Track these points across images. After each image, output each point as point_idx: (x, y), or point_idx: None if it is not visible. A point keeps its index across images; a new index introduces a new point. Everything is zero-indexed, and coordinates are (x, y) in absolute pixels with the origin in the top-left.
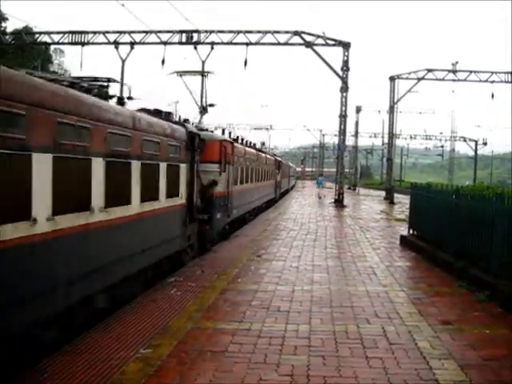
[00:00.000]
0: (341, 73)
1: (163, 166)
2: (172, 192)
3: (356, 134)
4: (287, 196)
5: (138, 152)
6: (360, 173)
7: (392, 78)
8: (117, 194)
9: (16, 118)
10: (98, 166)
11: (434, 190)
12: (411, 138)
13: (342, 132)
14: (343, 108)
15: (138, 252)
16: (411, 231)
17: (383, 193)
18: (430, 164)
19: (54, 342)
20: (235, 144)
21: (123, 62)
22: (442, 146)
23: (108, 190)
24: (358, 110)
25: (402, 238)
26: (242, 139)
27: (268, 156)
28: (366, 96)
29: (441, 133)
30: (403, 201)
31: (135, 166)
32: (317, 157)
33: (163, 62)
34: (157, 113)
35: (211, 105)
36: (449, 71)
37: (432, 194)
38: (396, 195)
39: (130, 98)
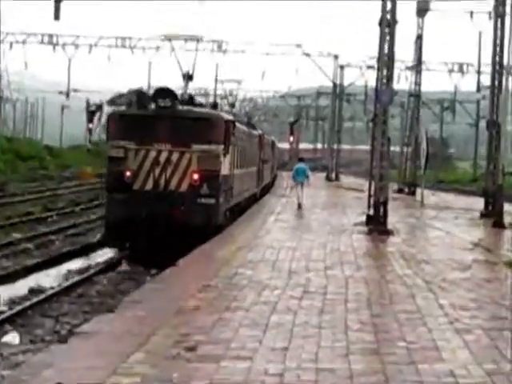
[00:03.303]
0: None
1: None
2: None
3: (417, 66)
4: (264, 202)
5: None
6: (426, 156)
7: None
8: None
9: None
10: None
11: None
12: None
13: (386, 62)
14: (388, 3)
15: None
16: None
17: (478, 201)
18: None
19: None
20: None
21: None
22: None
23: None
24: (423, 9)
25: None
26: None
27: (252, 131)
28: None
29: None
30: None
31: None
32: (323, 118)
33: None
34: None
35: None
36: None
37: None
38: (508, 207)
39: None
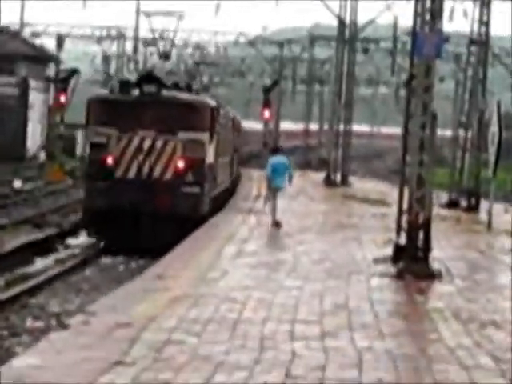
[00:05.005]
0: None
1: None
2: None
3: None
4: (219, 221)
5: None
6: (498, 145)
7: None
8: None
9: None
10: None
11: None
12: None
13: None
14: None
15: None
16: None
17: None
18: None
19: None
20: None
21: None
22: None
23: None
24: None
25: None
26: None
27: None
28: None
29: None
30: None
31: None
32: (321, 79)
33: None
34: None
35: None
36: None
37: None
38: None
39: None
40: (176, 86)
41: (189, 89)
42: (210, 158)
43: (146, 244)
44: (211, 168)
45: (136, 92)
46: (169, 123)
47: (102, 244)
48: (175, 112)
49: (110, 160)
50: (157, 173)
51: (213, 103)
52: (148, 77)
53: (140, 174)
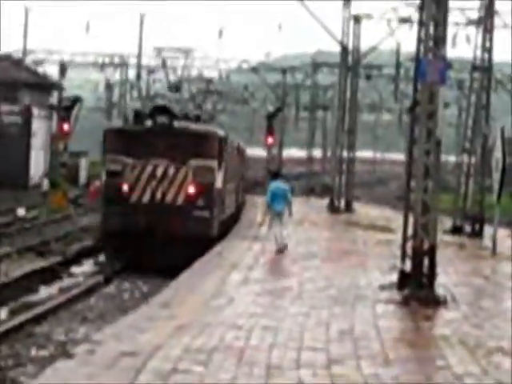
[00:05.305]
0: None
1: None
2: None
3: (486, 19)
4: (225, 247)
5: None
6: (503, 171)
7: None
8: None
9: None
10: None
11: None
12: None
13: (434, 12)
14: None
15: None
16: None
17: None
18: None
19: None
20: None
21: None
22: None
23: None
24: None
25: None
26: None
27: (233, 142)
28: None
29: None
30: None
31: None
32: (325, 106)
33: None
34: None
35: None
36: None
37: None
38: None
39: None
40: (186, 117)
41: (197, 119)
42: (218, 184)
43: (160, 263)
44: (220, 193)
45: (149, 123)
46: (180, 152)
47: (116, 265)
48: (186, 141)
49: (125, 186)
50: (169, 198)
51: (221, 133)
52: (160, 108)
53: (154, 198)
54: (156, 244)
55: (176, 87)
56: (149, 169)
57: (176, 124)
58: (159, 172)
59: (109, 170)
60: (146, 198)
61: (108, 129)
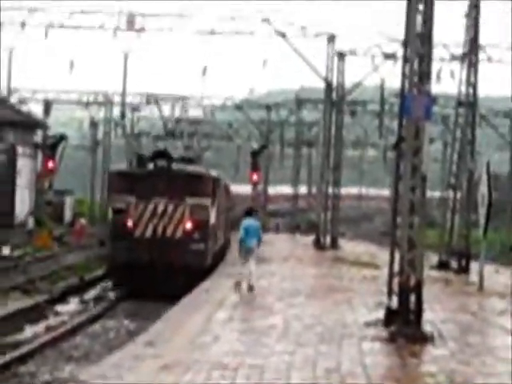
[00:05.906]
0: None
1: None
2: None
3: (471, 53)
4: (210, 285)
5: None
6: (488, 206)
7: None
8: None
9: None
10: None
11: None
12: None
13: (418, 47)
14: None
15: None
16: None
17: None
18: None
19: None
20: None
21: None
22: None
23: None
24: None
25: None
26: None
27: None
28: None
29: None
30: None
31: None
32: (310, 142)
33: None
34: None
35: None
36: None
37: None
38: None
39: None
40: (183, 160)
41: (191, 161)
42: (212, 219)
43: (161, 291)
44: (213, 228)
45: (150, 165)
46: (178, 191)
47: (118, 292)
48: (183, 182)
49: (129, 223)
50: (169, 232)
51: (214, 174)
52: (160, 153)
53: (155, 233)
54: (157, 274)
55: (171, 133)
56: (150, 207)
57: (174, 166)
58: (160, 209)
59: (114, 207)
60: (149, 232)
61: (113, 171)
